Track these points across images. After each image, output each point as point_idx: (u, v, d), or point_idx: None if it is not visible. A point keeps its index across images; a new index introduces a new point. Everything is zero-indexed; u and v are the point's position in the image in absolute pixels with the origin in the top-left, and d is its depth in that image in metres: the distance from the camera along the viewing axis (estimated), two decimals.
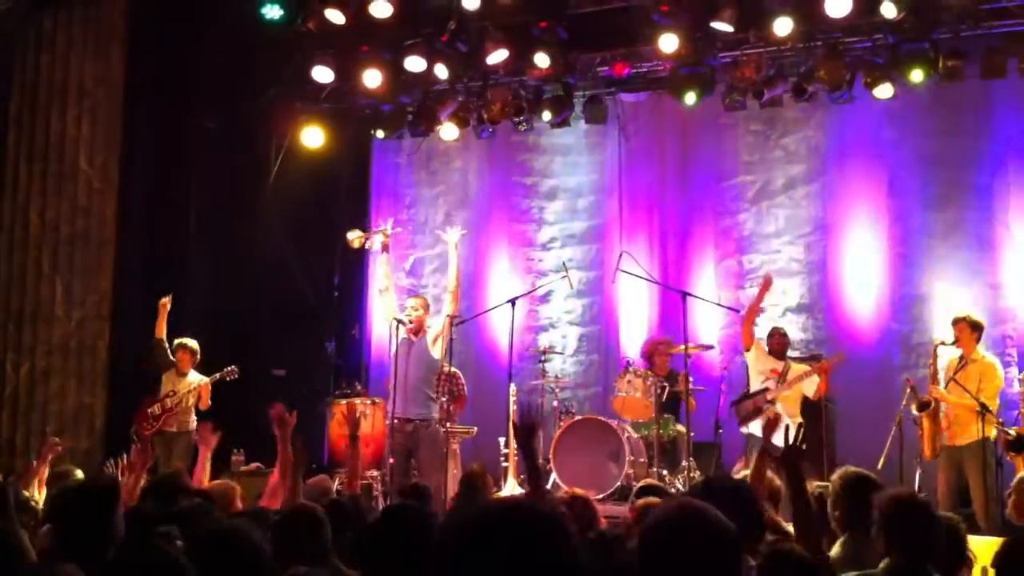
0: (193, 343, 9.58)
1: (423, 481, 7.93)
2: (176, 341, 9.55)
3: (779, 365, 9.05)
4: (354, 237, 9.28)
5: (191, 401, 9.39)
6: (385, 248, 9.07)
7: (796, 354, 9.90)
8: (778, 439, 8.69)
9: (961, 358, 8.39)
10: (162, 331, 9.50)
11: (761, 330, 10.43)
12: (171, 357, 9.50)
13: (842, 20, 9.37)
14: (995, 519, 8.01)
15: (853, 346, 10.25)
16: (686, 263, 11.05)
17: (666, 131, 11.24)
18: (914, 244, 10.23)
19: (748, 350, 9.11)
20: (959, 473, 8.20)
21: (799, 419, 8.89)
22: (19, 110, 10.04)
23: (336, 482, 9.51)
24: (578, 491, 5.47)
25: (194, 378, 9.52)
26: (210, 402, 9.43)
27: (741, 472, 7.48)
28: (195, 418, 9.43)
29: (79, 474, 6.24)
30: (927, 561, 3.74)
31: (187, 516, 4.31)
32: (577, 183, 11.64)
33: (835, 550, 4.24)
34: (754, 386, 8.99)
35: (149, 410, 9.35)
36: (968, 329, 8.33)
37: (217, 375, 9.47)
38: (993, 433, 8.20)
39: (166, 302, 9.49)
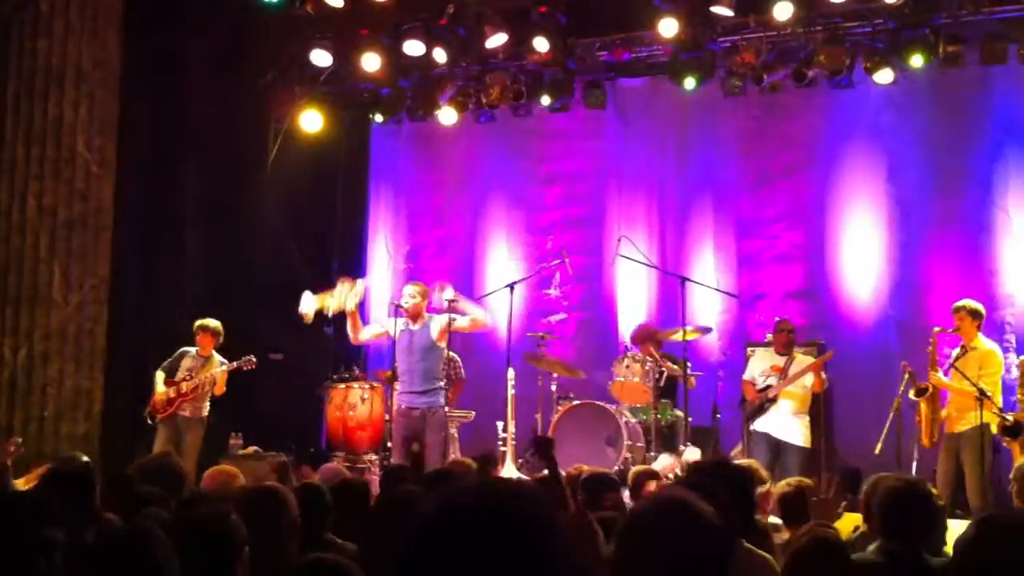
0: (215, 323, 9.42)
1: (429, 465, 7.97)
2: (196, 323, 9.45)
3: (781, 361, 9.03)
4: (307, 310, 8.42)
5: (207, 388, 9.32)
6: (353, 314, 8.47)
7: None
8: (772, 427, 8.81)
9: (962, 346, 8.40)
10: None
11: (763, 316, 10.48)
12: (181, 357, 9.44)
13: (842, 5, 9.38)
14: (990, 505, 8.04)
15: (851, 332, 10.26)
16: (685, 248, 11.04)
17: (665, 116, 11.21)
18: (913, 229, 10.22)
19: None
20: (957, 460, 8.22)
21: (807, 416, 8.89)
22: (16, 94, 9.99)
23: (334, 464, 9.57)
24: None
25: (216, 362, 9.40)
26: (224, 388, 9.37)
27: (739, 459, 7.52)
28: (208, 404, 9.38)
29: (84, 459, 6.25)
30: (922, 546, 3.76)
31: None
32: (576, 168, 11.62)
33: None
34: (758, 384, 9.02)
35: (165, 393, 9.29)
36: (968, 317, 8.34)
37: (234, 364, 9.38)
38: (994, 420, 8.21)
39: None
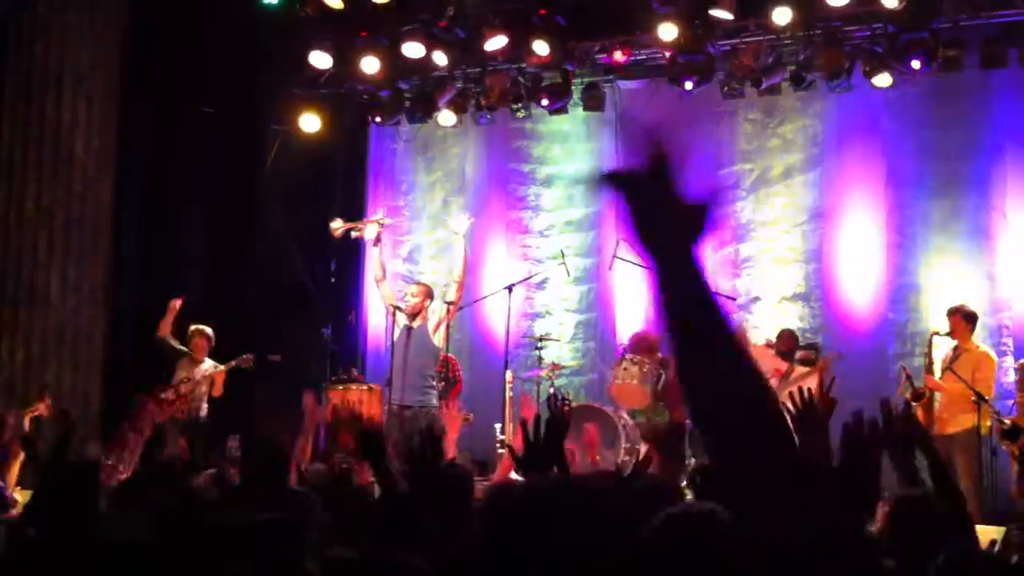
0: (208, 329, 9.52)
1: None
2: (192, 327, 9.49)
3: (783, 366, 9.07)
4: (337, 226, 9.36)
5: (204, 388, 9.33)
6: (378, 239, 9.10)
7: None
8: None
9: (955, 348, 8.42)
10: (166, 331, 9.42)
11: (760, 318, 10.49)
12: (178, 347, 9.46)
13: (841, 9, 9.37)
14: (987, 508, 8.05)
15: (849, 335, 10.26)
16: None
17: (664, 119, 11.20)
18: (911, 233, 10.21)
19: None
20: (948, 462, 8.22)
21: None
22: (14, 95, 9.98)
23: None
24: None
25: (208, 365, 9.46)
26: (222, 389, 9.40)
27: None
28: (207, 405, 9.39)
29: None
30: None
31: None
32: (575, 170, 11.61)
33: None
34: None
35: (162, 395, 9.30)
36: (962, 320, 8.36)
37: (232, 362, 9.40)
38: (987, 422, 8.22)
39: (176, 304, 9.42)
